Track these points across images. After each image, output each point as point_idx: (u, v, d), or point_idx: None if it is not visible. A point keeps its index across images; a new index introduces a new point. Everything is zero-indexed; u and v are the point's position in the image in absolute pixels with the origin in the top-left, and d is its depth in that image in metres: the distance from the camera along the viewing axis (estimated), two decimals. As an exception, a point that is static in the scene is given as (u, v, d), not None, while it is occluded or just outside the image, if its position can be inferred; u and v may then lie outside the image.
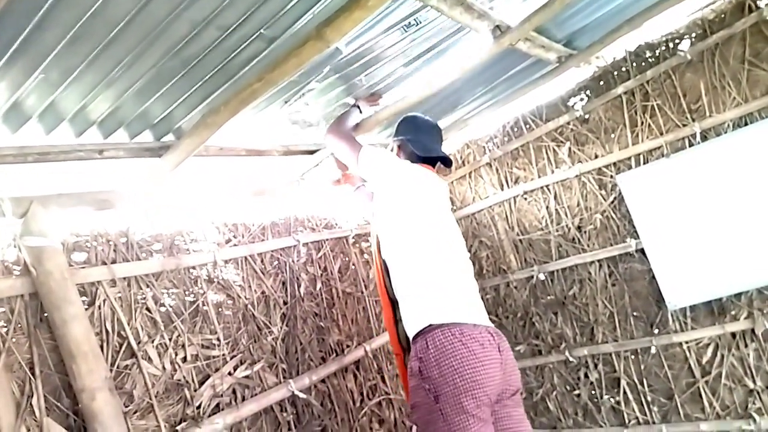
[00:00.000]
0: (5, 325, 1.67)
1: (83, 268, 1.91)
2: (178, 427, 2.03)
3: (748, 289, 3.06)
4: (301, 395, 2.51)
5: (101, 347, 1.86)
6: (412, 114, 2.53)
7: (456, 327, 1.78)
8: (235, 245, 2.52)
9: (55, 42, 1.41)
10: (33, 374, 1.68)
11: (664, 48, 3.29)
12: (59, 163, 1.80)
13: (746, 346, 3.13)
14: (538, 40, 2.70)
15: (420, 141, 2.35)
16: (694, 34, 3.19)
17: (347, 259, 3.16)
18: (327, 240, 3.04)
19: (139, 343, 2.00)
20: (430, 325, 1.82)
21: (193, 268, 2.30)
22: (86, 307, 1.86)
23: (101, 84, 1.66)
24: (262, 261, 2.62)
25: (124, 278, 2.03)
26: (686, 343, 3.31)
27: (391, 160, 2.21)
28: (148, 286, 2.11)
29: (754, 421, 3.07)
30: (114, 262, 2.02)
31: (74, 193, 1.91)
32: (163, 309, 2.14)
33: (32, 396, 1.67)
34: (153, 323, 2.08)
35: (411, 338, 1.93)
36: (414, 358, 1.85)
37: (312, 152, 2.87)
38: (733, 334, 3.16)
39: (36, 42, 1.39)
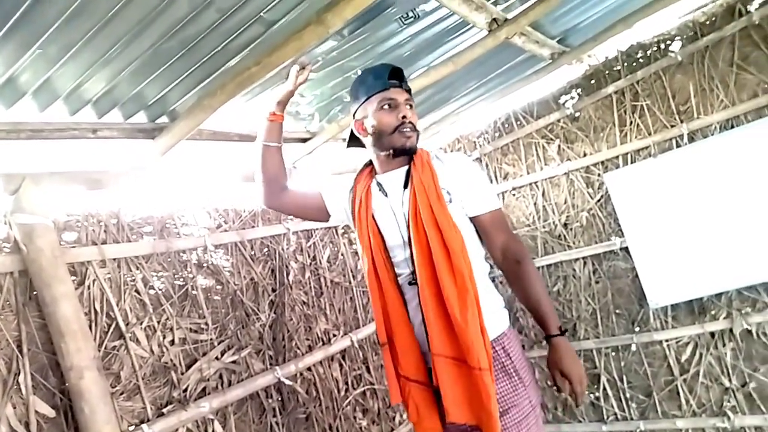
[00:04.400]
0: (-6, 301, 1.66)
1: (74, 247, 1.90)
2: (164, 410, 2.03)
3: (729, 289, 3.12)
4: (287, 382, 2.52)
5: (89, 327, 1.85)
6: None
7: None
8: (225, 231, 2.51)
9: (55, 17, 1.40)
10: (20, 352, 1.67)
11: (655, 49, 3.33)
12: (53, 141, 1.79)
13: (724, 345, 3.19)
14: (533, 35, 2.73)
15: None
16: (685, 36, 3.24)
17: (336, 249, 3.16)
18: (317, 229, 3.04)
19: (127, 324, 1.99)
20: (509, 327, 1.79)
21: (184, 252, 2.30)
22: (76, 286, 1.85)
23: (98, 62, 1.65)
24: (252, 247, 2.62)
25: (114, 259, 2.02)
26: (666, 341, 3.37)
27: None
28: (137, 268, 2.10)
29: (728, 419, 3.14)
30: (104, 242, 2.01)
31: (67, 172, 1.90)
32: (152, 291, 2.13)
33: (19, 374, 1.66)
34: (142, 305, 2.08)
35: (492, 339, 1.72)
36: (507, 357, 1.73)
37: (305, 140, 2.87)
38: (712, 334, 3.22)
39: (35, 16, 1.37)
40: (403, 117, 1.76)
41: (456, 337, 1.65)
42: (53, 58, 1.57)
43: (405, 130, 1.76)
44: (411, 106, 1.82)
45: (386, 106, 1.78)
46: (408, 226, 1.74)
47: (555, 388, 1.71)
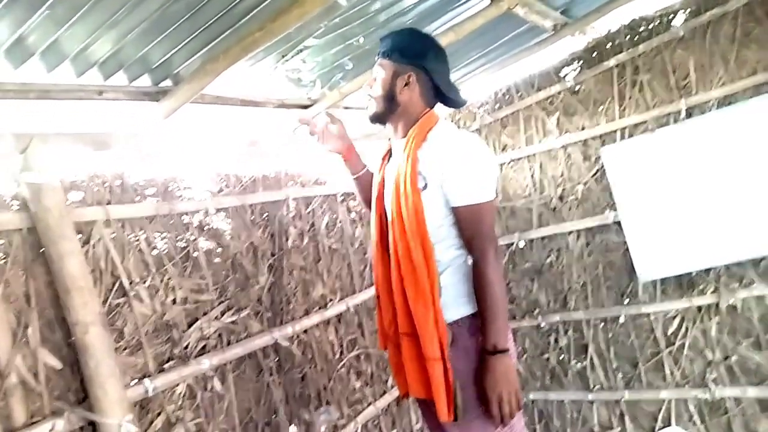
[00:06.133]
0: (4, 257, 1.71)
1: (79, 207, 1.94)
2: (165, 365, 2.10)
3: (717, 265, 3.19)
4: (284, 343, 2.59)
5: (94, 284, 1.90)
6: (427, 33, 1.94)
7: None
8: (226, 195, 2.55)
9: (63, -22, 1.42)
10: (29, 306, 1.73)
11: (657, 23, 3.32)
12: (60, 102, 1.82)
13: (710, 319, 3.27)
14: (536, 5, 2.73)
15: (444, 75, 1.84)
16: (688, 10, 3.22)
17: (335, 216, 3.21)
18: (316, 196, 3.08)
19: (131, 283, 2.04)
20: None
21: (186, 214, 2.33)
22: (81, 245, 1.89)
23: (105, 25, 1.67)
24: (252, 212, 2.66)
25: (119, 220, 2.06)
26: (654, 314, 3.45)
27: (493, 171, 1.76)
28: (141, 229, 2.14)
29: (710, 390, 3.24)
30: (109, 203, 2.04)
31: (73, 133, 1.92)
32: (155, 252, 2.18)
33: (27, 327, 1.71)
34: (145, 265, 2.12)
35: (458, 319, 1.74)
36: (470, 339, 1.73)
37: (306, 107, 2.89)
38: (699, 308, 3.30)
39: (44, -23, 1.39)
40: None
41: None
42: (61, 19, 1.59)
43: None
44: (378, 72, 1.82)
45: None
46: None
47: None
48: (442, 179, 1.68)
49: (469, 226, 1.68)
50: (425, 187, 1.69)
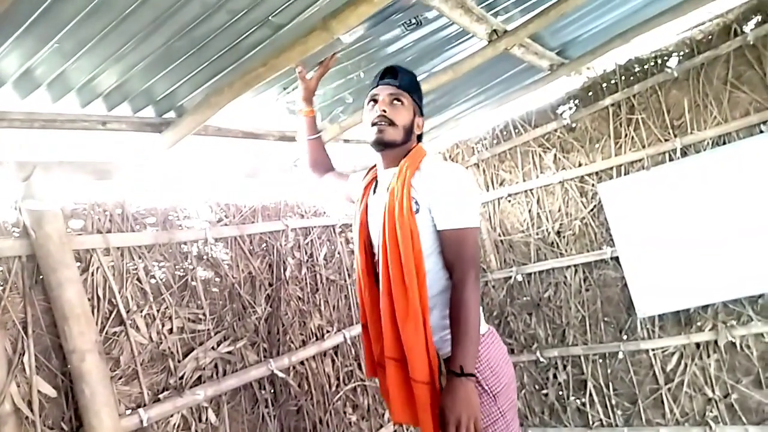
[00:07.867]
0: (1, 284, 1.73)
1: (80, 235, 1.96)
2: (160, 395, 2.09)
3: (715, 302, 3.20)
4: (280, 375, 2.58)
5: (92, 312, 1.91)
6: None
7: (492, 330, 1.85)
8: (225, 225, 2.57)
9: (73, 14, 1.46)
10: (26, 333, 1.74)
11: (652, 64, 3.41)
12: (64, 132, 1.85)
13: (708, 356, 3.27)
14: (533, 47, 2.80)
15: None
16: (681, 53, 3.32)
17: (333, 247, 3.23)
18: (315, 227, 3.11)
19: (128, 311, 2.05)
20: (482, 334, 1.76)
21: (185, 243, 2.36)
22: (80, 273, 1.91)
23: (111, 58, 1.71)
24: (251, 242, 2.68)
25: (118, 248, 2.08)
26: (653, 350, 3.44)
27: (477, 201, 1.81)
28: (140, 258, 2.16)
29: (710, 428, 3.22)
30: (109, 231, 2.07)
31: (76, 162, 1.96)
32: (153, 281, 2.19)
33: (24, 354, 1.72)
34: (143, 294, 2.14)
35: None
36: (486, 353, 1.76)
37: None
38: (698, 345, 3.30)
39: (55, 12, 1.44)
40: (381, 111, 1.79)
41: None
42: (69, 52, 1.63)
43: (378, 123, 1.79)
44: (397, 100, 1.82)
45: (371, 103, 1.85)
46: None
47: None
48: (431, 204, 1.72)
49: (453, 249, 1.70)
50: (417, 211, 1.73)
